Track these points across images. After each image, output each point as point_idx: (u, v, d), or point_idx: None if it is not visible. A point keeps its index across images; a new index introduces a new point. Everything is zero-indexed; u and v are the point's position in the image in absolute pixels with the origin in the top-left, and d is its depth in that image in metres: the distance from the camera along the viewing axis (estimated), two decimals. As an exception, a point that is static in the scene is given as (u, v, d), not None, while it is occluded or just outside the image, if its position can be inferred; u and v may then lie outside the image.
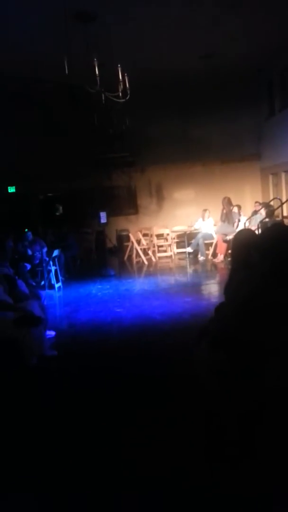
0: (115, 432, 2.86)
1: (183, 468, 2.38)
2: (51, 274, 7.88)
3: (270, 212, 8.92)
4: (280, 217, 9.19)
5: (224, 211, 9.41)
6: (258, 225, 8.64)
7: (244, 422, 2.30)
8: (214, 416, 2.58)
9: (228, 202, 9.54)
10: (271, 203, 10.23)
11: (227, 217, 9.37)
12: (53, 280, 7.86)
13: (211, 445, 2.47)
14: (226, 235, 9.06)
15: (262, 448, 2.21)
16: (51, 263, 7.90)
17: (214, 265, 9.32)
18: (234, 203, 9.98)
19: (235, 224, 9.36)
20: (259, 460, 2.18)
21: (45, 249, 8.27)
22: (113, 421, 3.01)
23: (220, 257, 9.36)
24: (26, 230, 9.03)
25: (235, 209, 9.52)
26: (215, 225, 10.08)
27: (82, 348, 4.71)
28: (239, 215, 9.58)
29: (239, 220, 9.38)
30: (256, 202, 11.01)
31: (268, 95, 11.31)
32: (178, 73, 10.41)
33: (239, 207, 10.13)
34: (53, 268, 7.92)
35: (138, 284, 8.08)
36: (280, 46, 9.34)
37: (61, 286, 8.02)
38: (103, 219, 9.21)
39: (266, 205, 9.59)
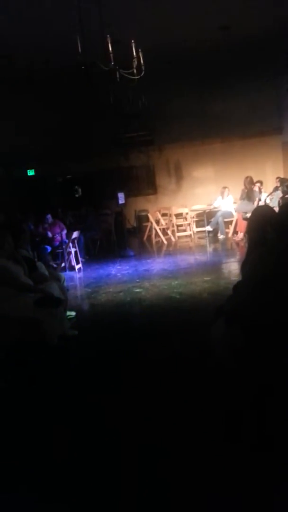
0: (132, 412, 2.91)
1: (201, 449, 2.40)
2: (71, 255, 7.96)
3: (287, 189, 8.75)
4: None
5: (246, 190, 9.25)
6: (278, 202, 8.46)
7: (260, 398, 2.31)
8: (231, 394, 2.60)
9: (250, 182, 9.37)
10: (292, 178, 9.98)
11: (248, 195, 9.21)
12: (73, 262, 7.94)
13: (230, 424, 2.49)
14: (246, 213, 8.92)
15: (276, 426, 2.21)
16: (71, 245, 7.97)
17: (234, 243, 9.22)
18: (255, 179, 9.77)
19: (255, 202, 9.19)
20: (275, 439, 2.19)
21: (64, 231, 8.34)
22: (130, 401, 3.06)
23: (240, 235, 9.23)
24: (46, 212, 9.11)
25: (256, 188, 9.33)
26: (234, 202, 9.92)
27: (102, 328, 4.79)
28: (260, 193, 9.39)
29: (259, 199, 9.20)
30: (277, 177, 10.74)
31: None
32: (195, 47, 10.09)
33: (260, 183, 9.92)
34: (73, 250, 7.99)
35: (158, 264, 8.08)
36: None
37: (81, 267, 8.10)
38: (121, 200, 9.20)
39: (282, 181, 9.39)
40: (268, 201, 9.06)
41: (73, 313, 5.05)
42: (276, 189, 9.60)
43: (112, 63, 6.59)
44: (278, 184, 9.60)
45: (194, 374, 3.23)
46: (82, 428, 2.77)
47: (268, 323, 2.25)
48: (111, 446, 2.54)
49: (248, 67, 11.06)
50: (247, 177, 9.40)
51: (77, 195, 12.19)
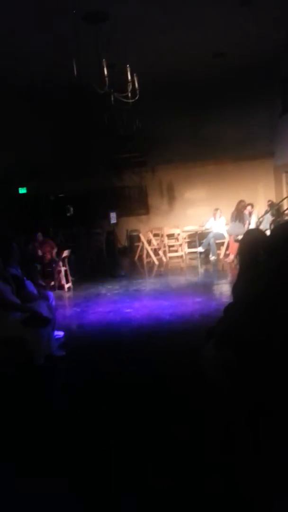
0: (121, 432, 2.82)
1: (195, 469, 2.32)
2: (61, 274, 7.89)
3: (276, 212, 8.87)
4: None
5: (235, 213, 9.31)
6: (270, 224, 8.53)
7: (253, 419, 2.25)
8: (223, 416, 2.54)
9: (240, 205, 9.45)
10: (285, 201, 10.11)
11: (237, 217, 9.27)
12: (63, 281, 7.86)
13: (223, 445, 2.42)
14: (237, 235, 8.96)
15: (270, 444, 2.15)
16: (61, 263, 7.91)
17: (226, 265, 9.22)
18: (247, 202, 9.87)
19: (246, 225, 9.26)
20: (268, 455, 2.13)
21: (55, 250, 8.29)
22: (119, 421, 2.98)
23: (231, 257, 9.25)
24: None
25: (246, 211, 9.40)
26: (226, 224, 9.98)
27: (90, 348, 4.69)
28: (250, 216, 9.46)
29: (249, 222, 9.27)
30: (269, 201, 10.87)
31: (281, 92, 11.14)
32: (189, 72, 10.34)
33: (251, 205, 10.02)
34: (63, 269, 7.93)
35: (148, 284, 8.03)
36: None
37: (71, 287, 8.02)
38: (113, 220, 9.20)
39: (272, 205, 9.54)
40: (258, 224, 9.14)
41: (61, 333, 4.95)
42: (266, 212, 9.71)
43: (107, 86, 6.72)
44: (268, 208, 9.73)
45: (185, 397, 3.16)
46: (66, 452, 2.67)
47: (260, 345, 2.21)
48: (96, 470, 2.44)
49: (242, 92, 11.32)
50: (240, 201, 9.48)
51: (68, 214, 12.19)
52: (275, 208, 9.46)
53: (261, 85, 11.48)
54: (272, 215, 9.12)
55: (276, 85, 11.31)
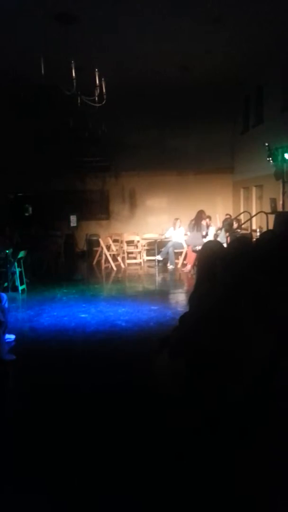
0: (72, 438, 2.77)
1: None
2: (15, 275, 7.68)
3: (228, 227, 9.17)
4: (249, 231, 9.36)
5: (193, 222, 9.43)
6: (226, 237, 8.76)
7: (203, 430, 2.28)
8: (173, 425, 2.55)
9: (200, 216, 9.55)
10: (241, 216, 10.44)
11: (196, 227, 9.39)
12: (17, 282, 7.65)
13: (170, 454, 2.43)
14: (195, 245, 9.12)
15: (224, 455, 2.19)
16: (16, 264, 7.70)
17: (183, 275, 9.35)
18: (206, 213, 10.08)
19: (204, 236, 9.44)
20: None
21: (10, 250, 8.05)
22: (70, 428, 2.92)
23: (189, 267, 9.41)
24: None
25: (204, 222, 9.54)
26: (186, 234, 10.13)
27: (43, 353, 4.59)
28: (207, 228, 9.63)
29: (207, 234, 9.45)
30: (227, 214, 11.18)
31: (244, 110, 11.55)
32: (157, 82, 10.49)
33: (209, 218, 10.25)
34: (17, 270, 7.72)
35: (106, 290, 7.99)
36: (256, 63, 9.57)
37: (25, 289, 7.82)
38: (73, 223, 9.11)
39: (224, 221, 9.85)
40: (216, 236, 9.36)
41: (12, 337, 4.80)
42: (223, 225, 9.97)
43: (74, 88, 6.68)
44: (221, 225, 9.99)
45: (136, 404, 3.15)
46: (15, 456, 2.58)
47: (211, 357, 2.25)
48: (44, 474, 2.37)
49: (207, 108, 11.62)
50: (200, 211, 9.60)
51: (27, 214, 11.92)
52: (228, 223, 9.73)
53: (225, 103, 11.85)
54: (226, 230, 9.38)
55: (239, 104, 11.72)
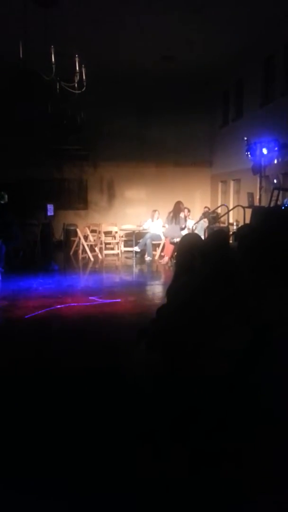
0: (42, 431, 2.75)
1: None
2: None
3: (212, 219, 9.23)
4: (226, 224, 9.45)
5: (171, 214, 9.44)
6: (204, 230, 8.83)
7: (177, 422, 2.29)
8: (148, 417, 2.56)
9: (178, 207, 9.56)
10: (219, 209, 10.53)
11: (174, 219, 9.42)
12: (-8, 271, 7.51)
13: (144, 447, 2.44)
14: (173, 238, 9.15)
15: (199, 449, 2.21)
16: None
17: (160, 267, 9.38)
18: (184, 205, 10.10)
19: (182, 228, 9.47)
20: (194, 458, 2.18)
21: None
22: (41, 419, 2.89)
23: (166, 259, 9.44)
24: None
25: (182, 214, 9.56)
26: (164, 226, 10.15)
27: (15, 345, 4.51)
28: (185, 220, 9.67)
29: (185, 227, 9.49)
30: (205, 207, 11.26)
31: (223, 104, 11.59)
32: (138, 72, 10.39)
33: (188, 210, 10.30)
34: (-8, 259, 7.56)
35: (82, 280, 7.94)
36: (236, 57, 9.61)
37: (0, 278, 7.68)
38: (50, 212, 8.96)
39: (205, 214, 9.92)
40: (195, 228, 9.41)
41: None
42: (201, 218, 10.04)
43: (53, 74, 6.53)
44: (203, 216, 10.05)
45: (111, 396, 3.14)
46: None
47: (188, 348, 2.26)
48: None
49: (187, 100, 11.60)
50: (178, 202, 9.59)
51: (2, 202, 11.65)
52: (211, 215, 9.80)
53: (206, 96, 11.86)
54: (209, 221, 9.44)
55: (219, 97, 11.75)
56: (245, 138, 8.47)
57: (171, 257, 9.24)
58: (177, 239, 8.75)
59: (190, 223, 9.81)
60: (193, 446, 2.13)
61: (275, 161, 7.92)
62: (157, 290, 7.26)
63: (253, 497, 1.74)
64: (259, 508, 1.59)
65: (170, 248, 9.36)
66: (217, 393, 1.94)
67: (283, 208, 6.11)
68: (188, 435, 2.14)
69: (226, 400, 1.89)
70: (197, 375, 2.20)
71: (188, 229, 9.38)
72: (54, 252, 9.64)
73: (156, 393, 2.36)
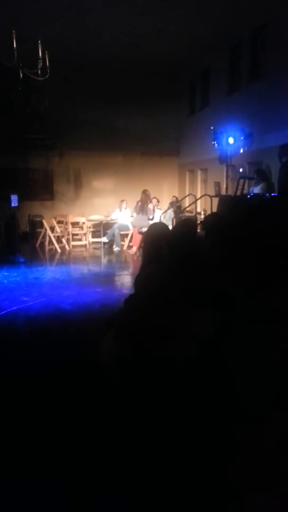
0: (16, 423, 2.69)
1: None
2: None
3: (177, 209, 9.30)
4: (194, 213, 9.51)
5: (139, 203, 9.42)
6: (172, 219, 8.86)
7: (146, 411, 2.29)
8: (117, 405, 2.55)
9: (146, 196, 9.55)
10: (186, 199, 10.58)
11: (142, 209, 9.41)
12: None
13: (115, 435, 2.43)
14: (141, 227, 9.14)
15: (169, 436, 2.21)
16: None
17: (128, 257, 9.35)
18: (152, 196, 10.08)
19: (150, 218, 9.47)
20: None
21: None
22: (12, 412, 2.83)
23: (134, 249, 9.42)
24: None
25: (150, 205, 9.57)
26: (131, 216, 10.11)
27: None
28: (153, 211, 9.67)
29: (153, 217, 9.49)
30: (173, 196, 11.28)
31: (190, 94, 11.60)
32: (105, 59, 10.21)
33: (157, 200, 10.29)
34: None
35: (49, 272, 7.80)
36: (203, 47, 9.60)
37: None
38: (14, 203, 8.72)
39: (172, 203, 9.98)
40: (162, 218, 9.42)
41: None
42: (169, 208, 10.07)
43: (15, 60, 6.31)
44: (170, 205, 10.08)
45: (79, 386, 3.12)
46: None
47: (155, 337, 2.25)
48: None
49: (154, 89, 11.52)
50: (145, 190, 9.57)
51: None
52: (176, 205, 9.85)
53: (172, 84, 11.83)
54: (174, 211, 9.48)
55: (186, 86, 11.74)
56: (212, 128, 8.51)
57: (139, 247, 9.22)
58: (145, 229, 8.74)
59: (158, 213, 9.81)
60: (160, 432, 2.13)
61: (241, 150, 8.02)
62: (125, 280, 7.24)
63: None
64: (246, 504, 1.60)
65: (138, 238, 9.35)
66: (185, 379, 1.95)
67: (248, 197, 6.19)
68: (155, 421, 2.14)
69: (195, 386, 1.89)
70: (165, 362, 2.19)
71: (154, 219, 9.39)
72: (20, 244, 9.41)
73: (124, 381, 2.35)
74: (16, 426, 2.73)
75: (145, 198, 9.42)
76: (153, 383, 2.21)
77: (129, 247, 9.90)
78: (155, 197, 10.22)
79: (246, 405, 1.50)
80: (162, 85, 11.55)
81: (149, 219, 9.14)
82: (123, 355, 2.34)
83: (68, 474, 2.27)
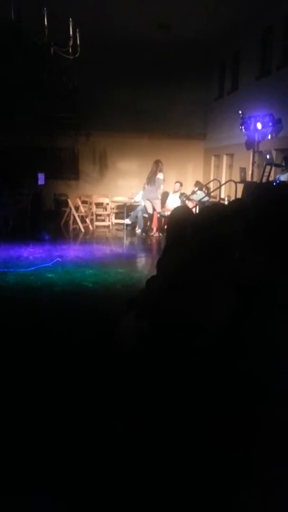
0: (40, 395, 2.86)
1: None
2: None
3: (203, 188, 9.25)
4: (218, 199, 9.47)
5: (150, 174, 9.36)
6: (196, 203, 8.85)
7: (163, 390, 2.39)
8: (135, 384, 2.67)
9: (156, 166, 9.45)
10: (210, 184, 10.52)
11: (150, 180, 9.35)
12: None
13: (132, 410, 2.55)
14: (148, 199, 9.10)
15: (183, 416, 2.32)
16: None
17: (151, 239, 9.43)
18: (176, 179, 10.04)
19: (158, 191, 9.40)
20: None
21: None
22: (37, 385, 3.00)
23: (155, 230, 9.48)
24: None
25: (160, 175, 9.36)
26: (144, 188, 10.00)
27: (7, 312, 4.59)
28: (162, 182, 9.47)
29: (161, 188, 9.38)
30: (197, 181, 11.21)
31: (219, 76, 11.38)
32: (133, 40, 10.10)
33: (180, 184, 10.27)
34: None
35: (73, 251, 7.97)
36: (234, 28, 9.38)
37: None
38: (41, 181, 8.87)
39: (198, 184, 9.91)
40: (182, 200, 9.43)
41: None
42: (193, 192, 10.03)
43: (46, 37, 6.33)
44: (196, 189, 10.02)
45: (100, 364, 3.25)
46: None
47: (176, 319, 2.33)
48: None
49: (182, 70, 11.35)
50: (156, 161, 9.46)
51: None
52: (204, 186, 9.78)
53: (201, 66, 11.62)
54: (204, 192, 9.43)
55: (215, 69, 11.53)
56: (240, 112, 8.39)
57: (158, 229, 9.28)
58: (166, 212, 8.77)
59: (171, 197, 9.77)
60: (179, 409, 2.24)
61: (269, 137, 7.90)
62: (147, 262, 7.34)
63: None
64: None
65: (157, 220, 9.41)
66: (205, 358, 2.03)
67: (274, 184, 6.15)
68: (174, 397, 2.24)
69: (212, 368, 1.98)
70: (185, 341, 2.28)
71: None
72: (45, 222, 9.61)
73: (144, 359, 2.45)
74: (35, 396, 2.89)
75: (155, 168, 9.30)
76: (174, 361, 2.30)
77: (150, 229, 9.96)
78: (178, 181, 10.19)
79: (264, 384, 1.58)
80: (191, 67, 11.37)
81: (157, 190, 9.09)
82: (144, 335, 2.43)
83: (88, 455, 2.41)
